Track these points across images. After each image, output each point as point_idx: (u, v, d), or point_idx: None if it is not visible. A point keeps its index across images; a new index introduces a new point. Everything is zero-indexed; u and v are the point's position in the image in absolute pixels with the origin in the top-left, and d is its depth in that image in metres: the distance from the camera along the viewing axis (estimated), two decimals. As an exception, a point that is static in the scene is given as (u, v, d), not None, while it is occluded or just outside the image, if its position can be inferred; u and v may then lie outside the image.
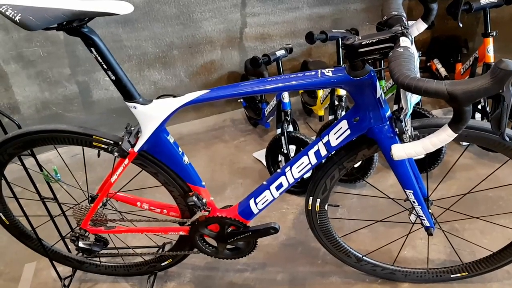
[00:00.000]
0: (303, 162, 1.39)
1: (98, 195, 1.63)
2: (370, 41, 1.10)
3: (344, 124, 1.28)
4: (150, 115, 1.32)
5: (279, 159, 2.28)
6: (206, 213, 1.53)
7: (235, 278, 1.85)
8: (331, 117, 2.24)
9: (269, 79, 1.24)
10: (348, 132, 1.28)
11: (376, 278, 1.77)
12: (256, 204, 1.51)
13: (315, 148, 1.35)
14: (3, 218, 1.67)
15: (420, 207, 1.40)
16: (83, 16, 1.12)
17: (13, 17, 1.07)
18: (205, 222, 1.55)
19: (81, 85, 2.68)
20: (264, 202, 1.50)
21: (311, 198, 1.52)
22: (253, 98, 2.63)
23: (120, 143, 1.37)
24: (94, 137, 1.39)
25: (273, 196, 1.48)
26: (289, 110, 2.14)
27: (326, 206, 1.55)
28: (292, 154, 2.17)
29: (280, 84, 1.22)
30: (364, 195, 2.12)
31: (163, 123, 1.34)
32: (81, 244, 1.60)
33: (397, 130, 1.23)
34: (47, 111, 2.68)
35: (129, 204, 1.66)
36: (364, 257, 1.70)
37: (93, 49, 1.20)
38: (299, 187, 2.24)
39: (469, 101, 0.88)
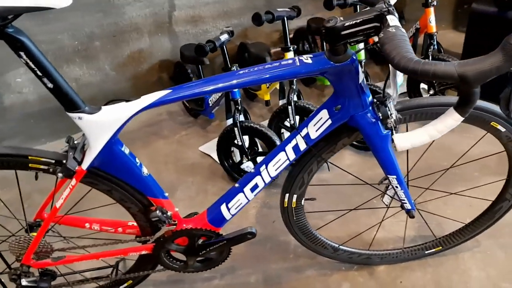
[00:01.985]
0: (280, 159, 1.26)
1: (37, 222, 1.39)
2: (354, 22, 0.98)
3: (324, 114, 1.17)
4: (100, 126, 1.11)
5: (232, 150, 2.13)
6: (173, 227, 1.36)
7: (205, 288, 1.69)
8: (282, 102, 2.13)
9: (241, 72, 1.08)
10: (329, 122, 1.17)
11: (352, 265, 1.72)
12: (228, 209, 1.36)
13: (293, 142, 1.22)
14: None
15: (402, 191, 1.33)
16: (7, 13, 0.88)
17: None
18: (172, 237, 1.37)
19: (-12, 90, 2.31)
20: (238, 206, 1.36)
21: (287, 195, 1.41)
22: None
23: (63, 161, 1.14)
24: (29, 157, 1.14)
25: (247, 199, 1.34)
26: (239, 99, 1.98)
27: (302, 201, 1.44)
28: (246, 144, 2.03)
29: (254, 77, 1.07)
30: (341, 184, 2.04)
31: (115, 134, 1.14)
32: (24, 282, 1.35)
33: (380, 115, 1.14)
34: None
35: (76, 226, 1.44)
36: (340, 246, 1.63)
37: (22, 53, 0.96)
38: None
39: (480, 82, 0.80)
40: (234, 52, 2.74)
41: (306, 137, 1.20)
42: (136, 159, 1.25)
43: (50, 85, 1.02)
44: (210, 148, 2.41)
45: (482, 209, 1.56)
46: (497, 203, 1.49)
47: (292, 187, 1.38)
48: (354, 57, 1.05)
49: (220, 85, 1.09)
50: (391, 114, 1.11)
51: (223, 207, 1.36)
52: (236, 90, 1.99)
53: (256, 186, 1.31)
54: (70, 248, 1.38)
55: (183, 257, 1.46)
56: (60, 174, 1.15)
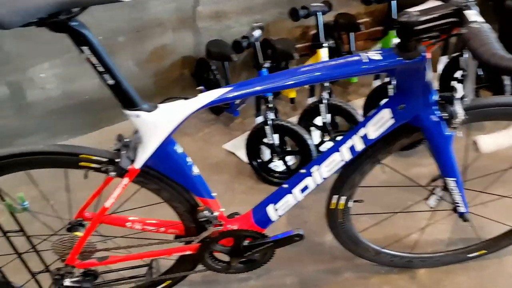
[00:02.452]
0: (334, 160, 1.22)
1: (79, 221, 1.35)
2: (431, 17, 0.94)
3: (386, 114, 1.13)
4: (156, 124, 1.07)
5: (260, 149, 2.09)
6: (219, 228, 1.32)
7: (241, 290, 1.66)
8: (311, 100, 2.09)
9: (303, 68, 1.04)
10: (392, 121, 1.13)
11: (391, 268, 1.68)
12: (276, 210, 1.33)
13: (349, 143, 1.19)
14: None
15: (459, 194, 1.30)
16: (74, 6, 0.84)
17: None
18: (218, 238, 1.33)
19: (11, 86, 2.25)
20: (286, 207, 1.32)
21: (335, 196, 1.37)
22: (217, 84, 2.38)
23: (116, 160, 1.10)
24: (81, 156, 1.10)
25: (296, 200, 1.31)
26: (270, 97, 1.94)
27: (350, 203, 1.40)
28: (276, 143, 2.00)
29: (318, 74, 1.03)
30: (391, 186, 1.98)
31: (172, 132, 1.10)
32: (68, 283, 1.31)
33: (446, 115, 1.10)
34: (-31, 121, 2.23)
35: (117, 225, 1.39)
36: (383, 249, 1.60)
37: (85, 48, 0.92)
38: (284, 179, 2.08)
39: None
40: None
41: (364, 138, 1.17)
42: (187, 158, 1.21)
43: (111, 81, 0.98)
44: (235, 146, 2.37)
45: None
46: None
47: (343, 188, 1.34)
48: (424, 54, 1.01)
49: (281, 83, 1.05)
50: (458, 114, 1.08)
51: (270, 208, 1.33)
52: (269, 87, 1.94)
53: (306, 187, 1.28)
54: (113, 248, 1.34)
55: (226, 258, 1.42)
56: (112, 173, 1.11)
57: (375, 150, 1.23)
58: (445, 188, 1.31)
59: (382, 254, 1.60)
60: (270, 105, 1.93)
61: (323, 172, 1.24)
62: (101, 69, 0.96)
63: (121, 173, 1.12)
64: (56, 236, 1.32)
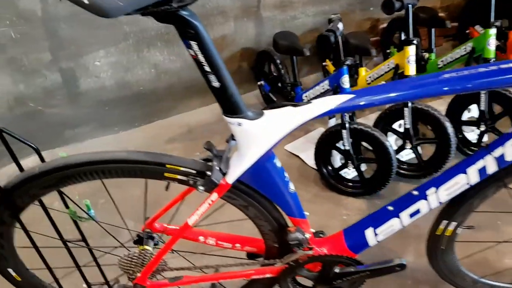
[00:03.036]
0: (457, 182, 1.03)
1: (148, 234, 1.20)
2: None
3: (533, 133, 0.93)
4: (260, 134, 0.90)
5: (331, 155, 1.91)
6: (310, 252, 1.15)
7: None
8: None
9: (446, 75, 0.85)
10: (539, 144, 0.93)
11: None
12: (376, 235, 1.14)
13: (479, 164, 0.99)
14: (14, 274, 1.20)
15: None
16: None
17: None
18: (305, 262, 1.17)
19: (65, 73, 2.13)
20: (388, 233, 1.14)
21: (445, 222, 1.18)
22: (281, 79, 2.21)
23: (206, 172, 0.94)
24: (167, 166, 0.94)
25: (402, 225, 1.12)
26: (349, 98, 1.75)
27: (460, 229, 1.21)
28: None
29: (468, 85, 0.84)
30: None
31: (275, 144, 0.92)
32: (135, 305, 1.17)
33: None
34: (23, 107, 2.11)
35: (189, 239, 1.24)
36: (481, 279, 1.40)
37: (194, 44, 0.75)
38: (356, 188, 1.90)
39: None
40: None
41: (500, 159, 0.97)
42: (285, 173, 1.04)
43: (216, 83, 0.81)
44: (297, 148, 2.19)
45: None
46: None
47: (456, 214, 1.15)
48: None
49: (418, 92, 0.86)
50: None
51: (368, 232, 1.15)
52: (347, 87, 1.75)
53: (417, 211, 1.09)
54: (187, 268, 1.19)
55: (308, 283, 1.26)
56: (201, 188, 0.95)
57: (507, 172, 1.03)
58: None
59: (479, 284, 1.41)
60: (348, 107, 1.74)
61: (442, 195, 1.05)
62: (207, 68, 0.79)
63: (211, 187, 0.96)
64: (121, 249, 1.18)
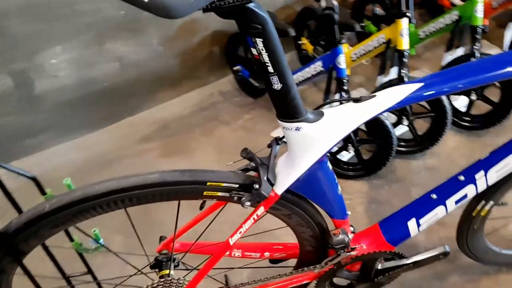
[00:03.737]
0: (508, 163, 0.98)
1: (166, 255, 1.07)
2: None
3: None
4: (319, 137, 0.79)
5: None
6: (353, 253, 1.06)
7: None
8: (383, 78, 1.82)
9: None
10: None
11: (500, 268, 1.49)
12: (419, 225, 1.08)
13: (535, 140, 0.94)
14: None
15: None
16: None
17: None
18: (347, 263, 1.08)
19: (17, 75, 1.87)
20: (432, 222, 1.08)
21: (483, 202, 1.13)
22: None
23: (254, 185, 0.82)
24: (208, 184, 0.81)
25: (446, 212, 1.06)
26: (345, 78, 1.66)
27: (494, 207, 1.17)
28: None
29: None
30: None
31: (333, 147, 0.82)
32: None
33: None
34: (-31, 118, 1.84)
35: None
36: (503, 251, 1.39)
37: (259, 41, 0.62)
38: (355, 170, 1.83)
39: None
40: (291, 20, 2.38)
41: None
42: (334, 175, 0.93)
43: (277, 86, 0.69)
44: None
45: None
46: None
47: (497, 192, 1.11)
48: None
49: (485, 75, 0.78)
50: None
51: (411, 223, 1.08)
52: (343, 67, 1.66)
53: (465, 196, 1.03)
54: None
55: (344, 282, 1.18)
56: (247, 203, 0.82)
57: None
58: None
59: (501, 256, 1.40)
60: (345, 87, 1.66)
61: (491, 178, 1.00)
62: (271, 69, 0.66)
63: (258, 201, 0.83)
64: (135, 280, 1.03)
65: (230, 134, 2.13)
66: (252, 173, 0.89)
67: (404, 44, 1.67)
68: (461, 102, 2.01)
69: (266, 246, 1.15)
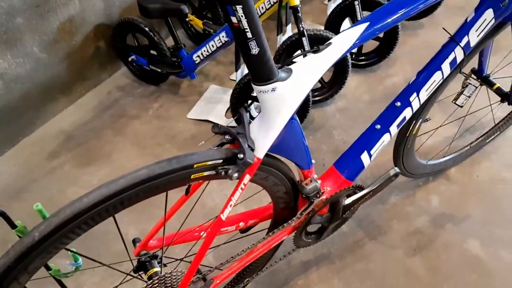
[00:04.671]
0: (434, 80, 1.11)
1: (140, 257, 1.04)
2: None
3: (488, 15, 1.04)
4: (292, 93, 0.81)
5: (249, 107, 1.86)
6: (324, 197, 1.13)
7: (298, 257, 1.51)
8: (282, 37, 1.89)
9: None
10: (492, 22, 1.05)
11: (426, 179, 1.70)
12: (370, 156, 1.18)
13: (451, 57, 1.08)
14: None
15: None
16: None
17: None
18: (319, 208, 1.15)
19: None
20: (380, 150, 1.19)
21: (414, 121, 1.27)
22: (156, 48, 2.00)
23: (238, 155, 0.82)
24: (195, 166, 0.79)
25: (391, 137, 1.18)
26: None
27: (421, 124, 1.32)
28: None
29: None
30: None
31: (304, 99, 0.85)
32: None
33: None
34: None
35: (191, 241, 1.11)
36: (428, 162, 1.59)
37: (239, 8, 0.62)
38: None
39: None
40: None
41: (466, 46, 1.07)
42: (300, 125, 0.97)
43: (255, 50, 0.69)
44: (201, 112, 2.08)
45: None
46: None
47: (424, 110, 1.25)
48: None
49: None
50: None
51: (364, 156, 1.18)
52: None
53: (404, 119, 1.15)
54: (216, 268, 1.06)
55: (315, 228, 1.26)
56: (235, 175, 0.83)
57: (466, 57, 1.14)
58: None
59: (428, 166, 1.60)
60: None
61: (423, 96, 1.12)
62: (249, 35, 0.66)
63: (243, 170, 0.84)
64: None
65: (145, 127, 2.05)
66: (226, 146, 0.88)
67: (296, 0, 1.74)
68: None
69: (239, 217, 1.16)
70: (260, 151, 0.86)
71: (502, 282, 1.38)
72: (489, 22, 1.04)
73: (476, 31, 1.05)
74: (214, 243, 1.23)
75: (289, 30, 1.98)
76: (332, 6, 2.06)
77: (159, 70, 2.02)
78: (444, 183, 1.68)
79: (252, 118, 1.88)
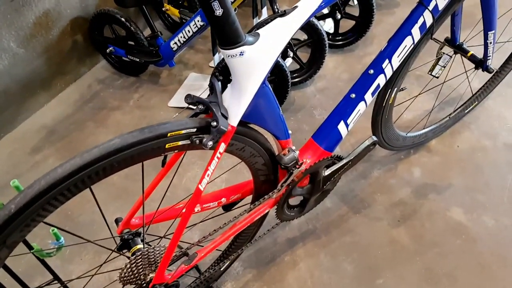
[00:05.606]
0: (405, 45, 1.12)
1: (131, 232, 1.05)
2: None
3: (455, -24, 1.05)
4: (261, 57, 0.82)
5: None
6: (303, 167, 1.14)
7: (286, 232, 1.52)
8: (258, 20, 1.90)
9: None
10: (458, -17, 1.07)
11: (407, 152, 1.72)
12: (347, 125, 1.19)
13: (420, 21, 1.09)
14: None
15: (493, 46, 1.33)
16: None
17: None
18: (299, 180, 1.16)
19: None
20: (357, 119, 1.20)
21: (389, 90, 1.29)
22: (134, 38, 1.99)
23: (212, 123, 0.83)
24: (169, 135, 0.80)
25: (366, 106, 1.19)
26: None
27: (397, 93, 1.34)
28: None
29: None
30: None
31: (274, 64, 0.86)
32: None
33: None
34: None
35: (171, 219, 1.12)
36: (408, 134, 1.60)
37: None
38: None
39: None
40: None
41: (434, 10, 1.08)
42: (273, 94, 0.98)
43: (219, 11, 0.70)
44: (182, 100, 2.07)
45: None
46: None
47: (397, 78, 1.26)
48: None
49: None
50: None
51: (341, 126, 1.19)
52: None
53: (378, 86, 1.17)
54: (196, 244, 1.07)
55: (297, 201, 1.28)
56: (210, 143, 0.83)
57: (436, 19, 1.16)
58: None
59: (408, 139, 1.61)
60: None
61: (395, 63, 1.14)
62: (208, -6, 0.67)
63: (218, 138, 0.85)
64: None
65: (127, 117, 2.05)
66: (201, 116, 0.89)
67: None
68: (328, 25, 2.19)
69: (220, 193, 1.17)
70: (234, 119, 0.86)
71: (486, 246, 1.41)
72: (456, -16, 1.06)
73: (443, -8, 1.06)
74: (199, 219, 1.25)
75: (265, 13, 1.99)
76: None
77: (138, 60, 2.01)
78: (426, 155, 1.71)
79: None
